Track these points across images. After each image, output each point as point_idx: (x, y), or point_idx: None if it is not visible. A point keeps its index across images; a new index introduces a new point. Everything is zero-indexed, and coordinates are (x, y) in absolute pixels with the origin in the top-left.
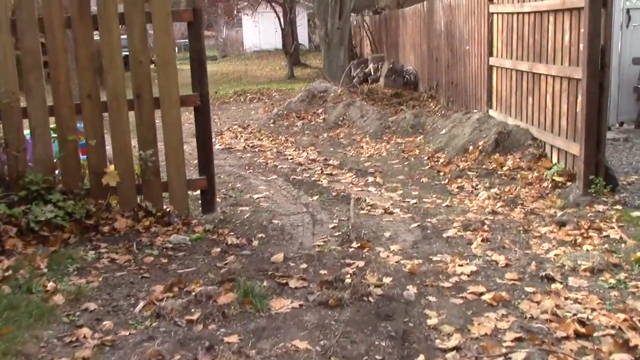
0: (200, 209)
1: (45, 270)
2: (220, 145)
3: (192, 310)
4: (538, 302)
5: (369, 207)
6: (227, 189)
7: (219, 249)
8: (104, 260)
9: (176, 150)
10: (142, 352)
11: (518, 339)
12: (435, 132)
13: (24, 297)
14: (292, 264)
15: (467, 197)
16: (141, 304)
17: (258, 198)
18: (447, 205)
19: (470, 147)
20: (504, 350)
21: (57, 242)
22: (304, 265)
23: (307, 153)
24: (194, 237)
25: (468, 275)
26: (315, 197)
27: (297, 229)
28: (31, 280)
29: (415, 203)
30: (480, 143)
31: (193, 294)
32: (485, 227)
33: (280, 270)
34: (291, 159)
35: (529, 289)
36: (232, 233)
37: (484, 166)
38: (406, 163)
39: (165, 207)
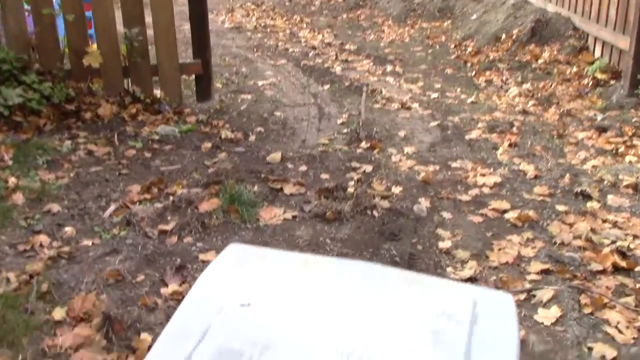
0: (195, 96)
1: (10, 162)
2: (229, 23)
3: (168, 218)
4: (571, 225)
5: (384, 101)
6: (231, 73)
7: (210, 144)
8: (80, 152)
9: (167, 30)
10: (100, 270)
11: (545, 272)
12: (465, 17)
13: None
14: (290, 166)
15: (495, 93)
16: (112, 208)
17: (263, 85)
18: (472, 102)
19: (503, 36)
20: (527, 285)
21: (30, 129)
22: (304, 168)
23: (323, 36)
24: (184, 129)
25: (491, 188)
26: (325, 87)
27: (301, 123)
28: None
29: (437, 97)
30: (514, 31)
31: (172, 198)
32: (514, 129)
33: (276, 173)
34: (304, 41)
35: (560, 208)
36: (227, 125)
37: (516, 58)
38: (430, 51)
39: (156, 93)
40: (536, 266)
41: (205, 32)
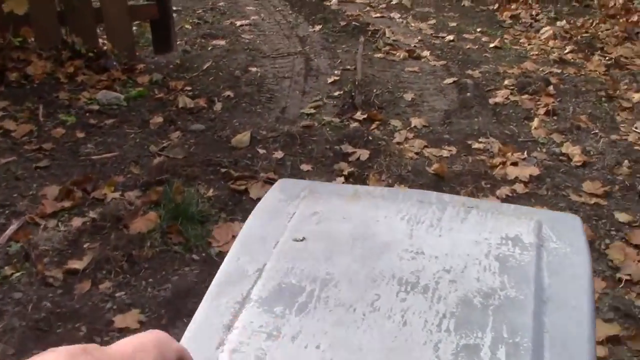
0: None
1: None
2: None
3: (84, 246)
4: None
5: (387, 47)
6: (205, 8)
7: (161, 118)
8: None
9: None
10: None
11: (612, 340)
12: None
13: None
14: (261, 151)
15: (523, 34)
16: (12, 228)
17: (241, 26)
18: (495, 47)
19: None
20: None
21: None
22: (279, 154)
23: None
24: (132, 94)
25: (525, 184)
26: (317, 27)
27: (282, 83)
28: None
29: (453, 41)
30: None
31: (92, 214)
32: (551, 88)
33: (241, 164)
34: None
35: (621, 217)
36: (188, 88)
37: None
38: None
39: (102, 45)
40: (599, 329)
41: None
